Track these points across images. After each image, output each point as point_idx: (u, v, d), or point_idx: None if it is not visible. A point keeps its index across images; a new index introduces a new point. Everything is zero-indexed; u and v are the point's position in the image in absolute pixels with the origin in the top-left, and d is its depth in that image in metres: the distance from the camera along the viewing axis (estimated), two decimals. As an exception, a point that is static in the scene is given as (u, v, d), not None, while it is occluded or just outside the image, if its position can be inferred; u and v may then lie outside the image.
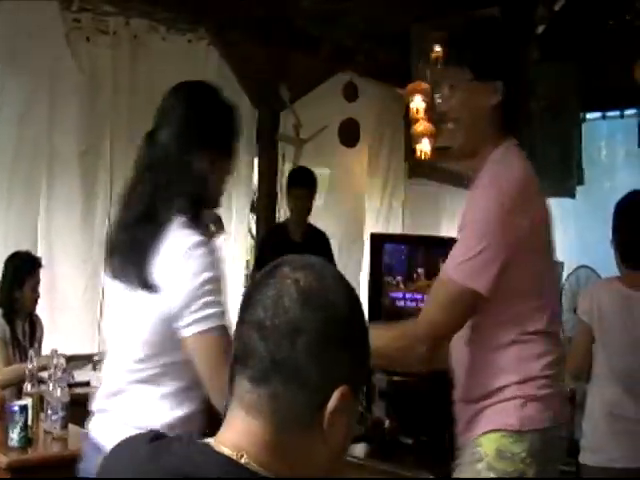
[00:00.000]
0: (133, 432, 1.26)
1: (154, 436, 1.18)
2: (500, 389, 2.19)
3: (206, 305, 2.01)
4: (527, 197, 2.21)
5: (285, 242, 5.18)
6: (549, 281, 2.34)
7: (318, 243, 5.48)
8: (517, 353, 2.21)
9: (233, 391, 1.15)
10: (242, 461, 1.10)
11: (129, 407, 2.15)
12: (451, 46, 2.57)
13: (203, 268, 2.03)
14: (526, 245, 2.19)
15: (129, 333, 2.18)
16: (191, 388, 2.11)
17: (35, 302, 4.59)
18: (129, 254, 2.13)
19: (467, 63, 2.30)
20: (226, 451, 1.11)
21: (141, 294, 2.09)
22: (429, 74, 5.90)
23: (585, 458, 3.42)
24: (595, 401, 3.43)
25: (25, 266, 4.53)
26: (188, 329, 2.02)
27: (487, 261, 2.13)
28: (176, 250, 2.05)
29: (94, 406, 2.27)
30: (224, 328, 2.00)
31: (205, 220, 2.21)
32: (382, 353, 2.04)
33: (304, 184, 5.45)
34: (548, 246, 2.31)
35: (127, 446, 1.21)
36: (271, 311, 1.12)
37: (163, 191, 2.13)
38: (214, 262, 2.07)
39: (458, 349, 2.32)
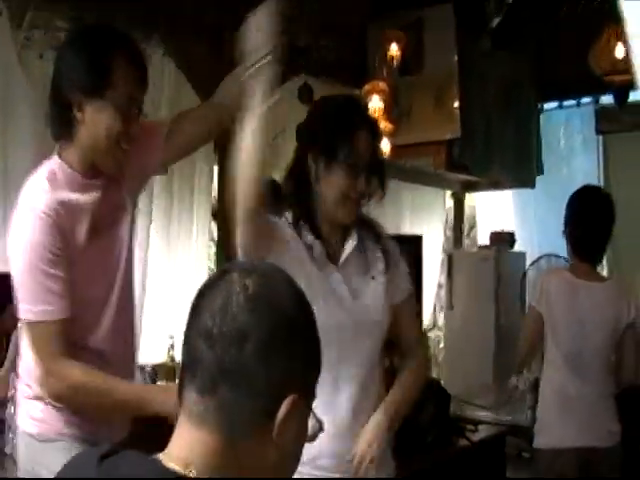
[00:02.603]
0: None
1: (105, 453, 1.15)
2: None
3: None
4: None
5: None
6: None
7: None
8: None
9: (182, 403, 1.13)
10: (190, 476, 1.07)
11: None
12: None
13: None
14: None
15: None
16: None
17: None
18: None
19: None
20: (175, 467, 1.08)
21: None
22: (386, 73, 5.91)
23: (538, 442, 3.49)
24: (546, 386, 3.50)
25: (6, 291, 4.49)
26: None
27: None
28: None
29: None
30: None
31: None
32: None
33: None
34: None
35: (77, 465, 1.18)
36: (218, 318, 1.09)
37: None
38: None
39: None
